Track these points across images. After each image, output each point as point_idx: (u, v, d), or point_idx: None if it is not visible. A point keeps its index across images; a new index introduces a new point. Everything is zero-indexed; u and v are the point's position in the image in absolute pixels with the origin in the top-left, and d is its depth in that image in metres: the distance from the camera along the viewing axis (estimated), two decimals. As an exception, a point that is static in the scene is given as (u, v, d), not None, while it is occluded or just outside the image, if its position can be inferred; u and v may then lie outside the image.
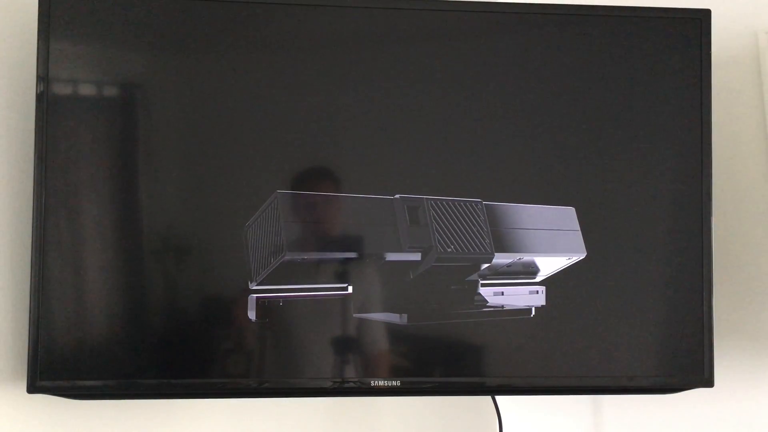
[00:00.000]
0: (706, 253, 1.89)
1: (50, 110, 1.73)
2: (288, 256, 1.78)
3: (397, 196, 1.83)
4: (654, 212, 1.90)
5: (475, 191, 1.85)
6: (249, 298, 1.78)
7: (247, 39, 1.82)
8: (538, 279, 1.89)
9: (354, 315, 1.81)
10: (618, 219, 1.89)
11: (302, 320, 1.81)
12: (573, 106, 1.89)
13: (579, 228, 1.87)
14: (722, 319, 1.98)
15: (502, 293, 1.88)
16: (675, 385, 1.92)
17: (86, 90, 1.78)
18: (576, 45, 1.90)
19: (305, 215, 1.82)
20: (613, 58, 1.90)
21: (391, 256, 1.82)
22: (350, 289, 1.81)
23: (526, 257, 1.88)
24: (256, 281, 1.78)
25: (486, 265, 1.86)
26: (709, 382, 1.89)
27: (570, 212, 1.88)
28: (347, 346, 1.83)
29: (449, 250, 1.84)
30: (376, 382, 1.82)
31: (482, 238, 1.85)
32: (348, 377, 1.83)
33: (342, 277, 1.81)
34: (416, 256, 1.83)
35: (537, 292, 1.88)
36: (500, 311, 1.87)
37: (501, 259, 1.86)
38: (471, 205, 1.85)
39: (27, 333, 1.72)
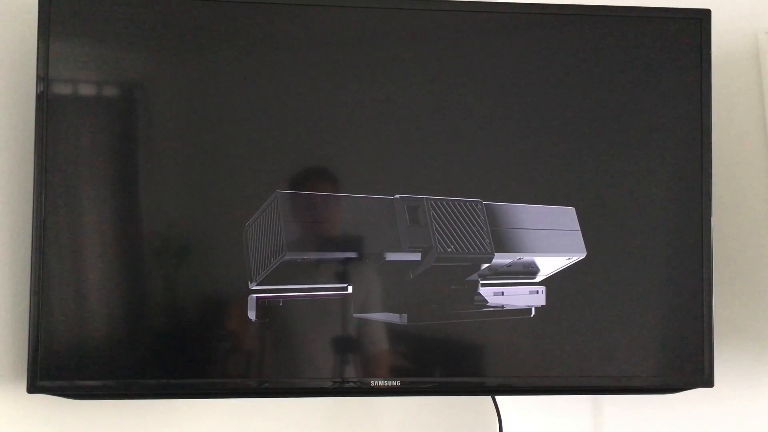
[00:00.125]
0: (706, 253, 1.89)
1: (50, 110, 1.74)
2: (288, 256, 1.78)
3: (397, 196, 1.82)
4: (654, 212, 1.90)
5: (475, 191, 1.85)
6: (249, 298, 1.78)
7: (247, 39, 1.82)
8: (538, 279, 1.89)
9: (354, 315, 1.81)
10: (618, 219, 1.89)
11: (302, 320, 1.81)
12: (573, 106, 1.89)
13: (579, 228, 1.87)
14: (722, 319, 1.98)
15: (502, 293, 1.88)
16: (675, 385, 1.91)
17: (86, 90, 1.78)
18: (576, 45, 1.90)
19: (305, 215, 1.82)
20: (613, 58, 1.90)
21: (391, 256, 1.82)
22: (350, 289, 1.81)
23: (526, 257, 1.88)
24: (256, 281, 1.78)
25: (486, 265, 1.86)
26: (709, 382, 1.89)
27: (570, 212, 1.88)
28: (347, 346, 1.83)
29: (449, 250, 1.84)
30: (376, 382, 1.82)
31: (482, 238, 1.85)
32: (348, 377, 1.83)
33: (342, 277, 1.81)
34: (416, 256, 1.83)
35: (537, 292, 1.88)
36: (500, 311, 1.87)
37: (501, 259, 1.86)
38: (471, 205, 1.85)
39: (27, 333, 1.72)
